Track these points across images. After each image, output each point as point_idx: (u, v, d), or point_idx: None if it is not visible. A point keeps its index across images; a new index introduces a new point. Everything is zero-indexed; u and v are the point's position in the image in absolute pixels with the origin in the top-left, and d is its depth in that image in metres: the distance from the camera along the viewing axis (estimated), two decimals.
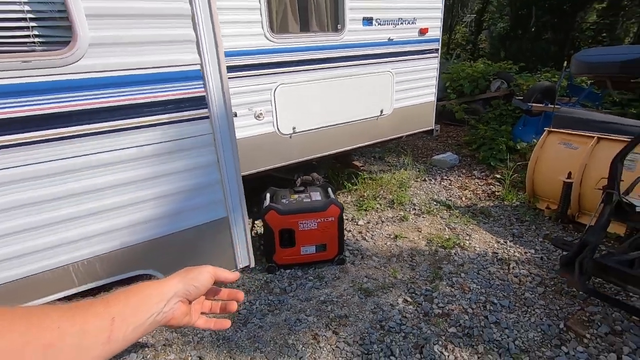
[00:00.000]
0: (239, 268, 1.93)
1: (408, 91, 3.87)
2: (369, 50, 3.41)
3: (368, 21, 3.31)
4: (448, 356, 2.07)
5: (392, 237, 3.37)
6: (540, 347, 2.10)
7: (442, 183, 4.54)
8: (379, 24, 3.38)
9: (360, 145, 3.75)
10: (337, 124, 3.48)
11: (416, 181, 4.57)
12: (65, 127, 1.26)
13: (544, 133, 3.70)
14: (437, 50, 3.98)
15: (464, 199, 4.12)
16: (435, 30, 3.86)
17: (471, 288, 2.62)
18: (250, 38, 2.74)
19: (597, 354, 2.04)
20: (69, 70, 1.22)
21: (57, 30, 1.20)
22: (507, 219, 3.63)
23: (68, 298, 1.51)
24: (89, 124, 1.30)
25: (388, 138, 3.95)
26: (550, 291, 2.56)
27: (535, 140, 4.45)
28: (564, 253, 2.37)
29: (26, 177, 1.23)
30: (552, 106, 4.57)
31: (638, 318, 2.20)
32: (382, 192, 4.21)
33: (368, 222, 3.66)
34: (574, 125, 3.53)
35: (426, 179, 4.66)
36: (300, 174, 3.47)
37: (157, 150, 1.44)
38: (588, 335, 2.15)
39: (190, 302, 0.58)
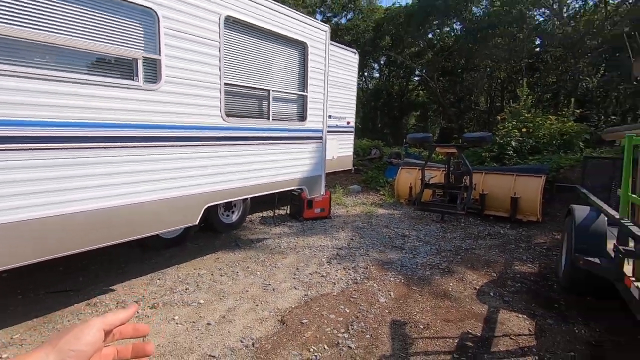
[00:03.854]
0: (320, 195, 5.46)
1: (342, 148, 8.14)
2: (330, 129, 7.56)
3: (329, 116, 7.53)
4: (385, 231, 5.96)
5: (345, 212, 7.24)
6: (409, 228, 6.21)
7: (357, 197, 8.75)
8: (333, 118, 7.64)
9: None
10: None
11: (344, 196, 8.64)
12: (291, 140, 4.81)
13: (399, 170, 8.41)
14: (353, 131, 8.48)
15: (369, 201, 8.37)
16: (352, 122, 8.39)
17: (383, 220, 6.67)
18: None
19: (425, 228, 6.26)
20: (303, 127, 4.86)
21: (302, 117, 4.85)
22: (389, 206, 7.97)
23: (265, 197, 4.85)
24: (304, 140, 4.90)
25: (334, 170, 8.01)
26: (410, 219, 6.81)
27: (395, 176, 9.22)
28: (412, 202, 6.73)
29: (293, 150, 4.72)
30: (400, 160, 9.56)
31: (435, 212, 6.65)
32: None
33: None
34: (410, 165, 8.33)
35: (348, 196, 8.80)
36: None
37: (310, 148, 5.04)
38: (422, 226, 6.39)
39: None
